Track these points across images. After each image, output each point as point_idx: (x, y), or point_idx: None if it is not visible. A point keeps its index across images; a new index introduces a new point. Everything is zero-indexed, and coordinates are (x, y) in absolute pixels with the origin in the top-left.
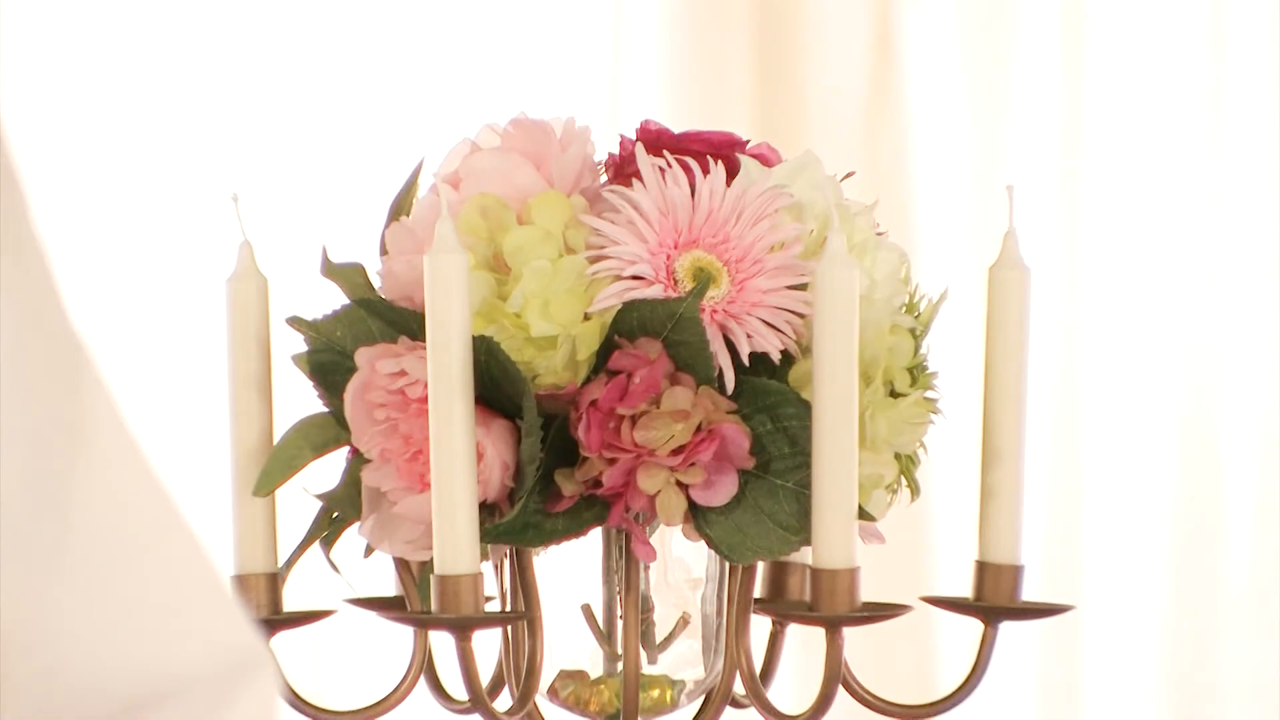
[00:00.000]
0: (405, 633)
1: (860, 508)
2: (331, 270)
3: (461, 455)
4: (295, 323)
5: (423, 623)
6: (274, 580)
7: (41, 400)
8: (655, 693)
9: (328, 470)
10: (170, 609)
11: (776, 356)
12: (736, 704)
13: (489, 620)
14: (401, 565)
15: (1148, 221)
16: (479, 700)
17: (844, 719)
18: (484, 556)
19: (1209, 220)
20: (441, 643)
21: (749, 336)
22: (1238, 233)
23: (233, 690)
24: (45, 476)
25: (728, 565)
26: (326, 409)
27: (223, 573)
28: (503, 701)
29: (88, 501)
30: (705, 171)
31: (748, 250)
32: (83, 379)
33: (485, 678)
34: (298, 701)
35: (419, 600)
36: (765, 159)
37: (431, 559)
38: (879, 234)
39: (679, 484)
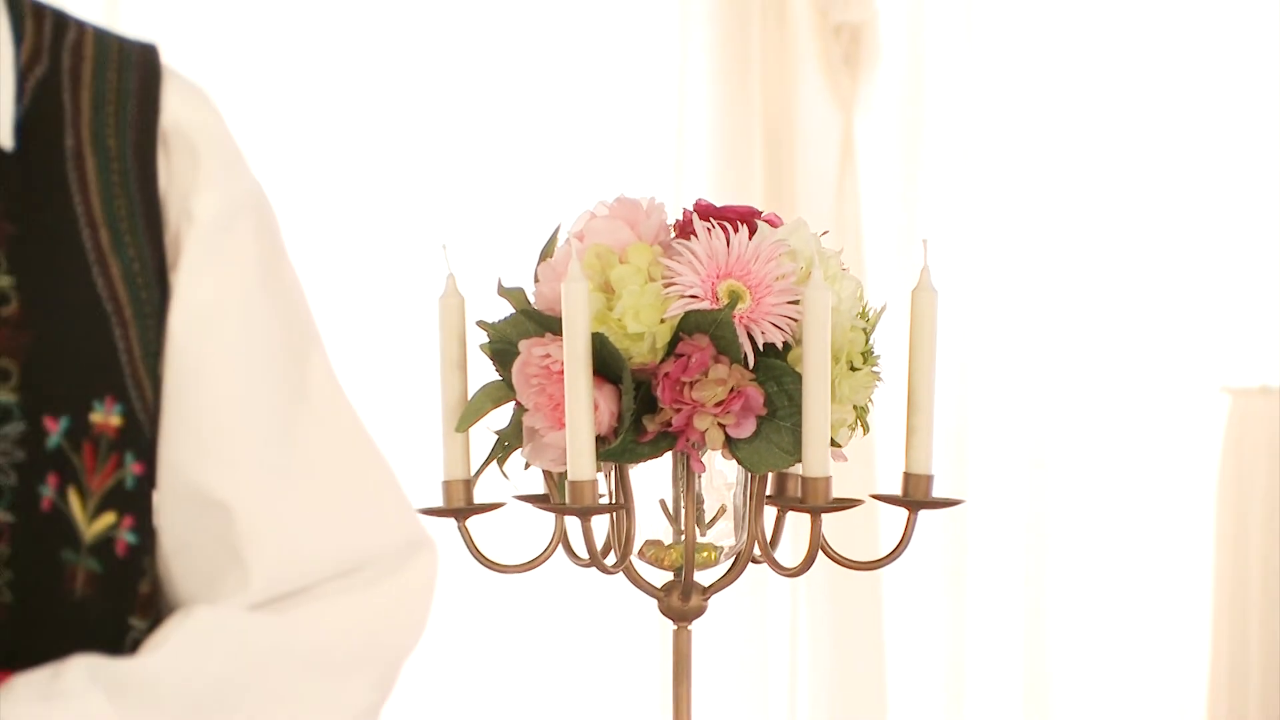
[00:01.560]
0: (546, 522)
1: (832, 439)
2: (504, 291)
3: (584, 406)
4: (482, 324)
5: (560, 510)
6: (468, 484)
7: (283, 368)
8: (704, 554)
9: (500, 417)
10: (362, 507)
11: (780, 345)
12: (755, 561)
13: (601, 509)
14: (548, 475)
15: (1014, 250)
16: (594, 558)
17: (818, 572)
18: (598, 469)
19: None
20: (572, 523)
21: (763, 333)
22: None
23: (404, 563)
24: (281, 417)
25: (749, 474)
26: (500, 378)
27: (399, 482)
28: (609, 560)
29: (306, 435)
30: (735, 230)
31: (762, 279)
32: (311, 356)
33: (599, 544)
34: (478, 555)
35: (558, 496)
36: (772, 222)
37: (565, 470)
38: (844, 269)
39: (719, 424)
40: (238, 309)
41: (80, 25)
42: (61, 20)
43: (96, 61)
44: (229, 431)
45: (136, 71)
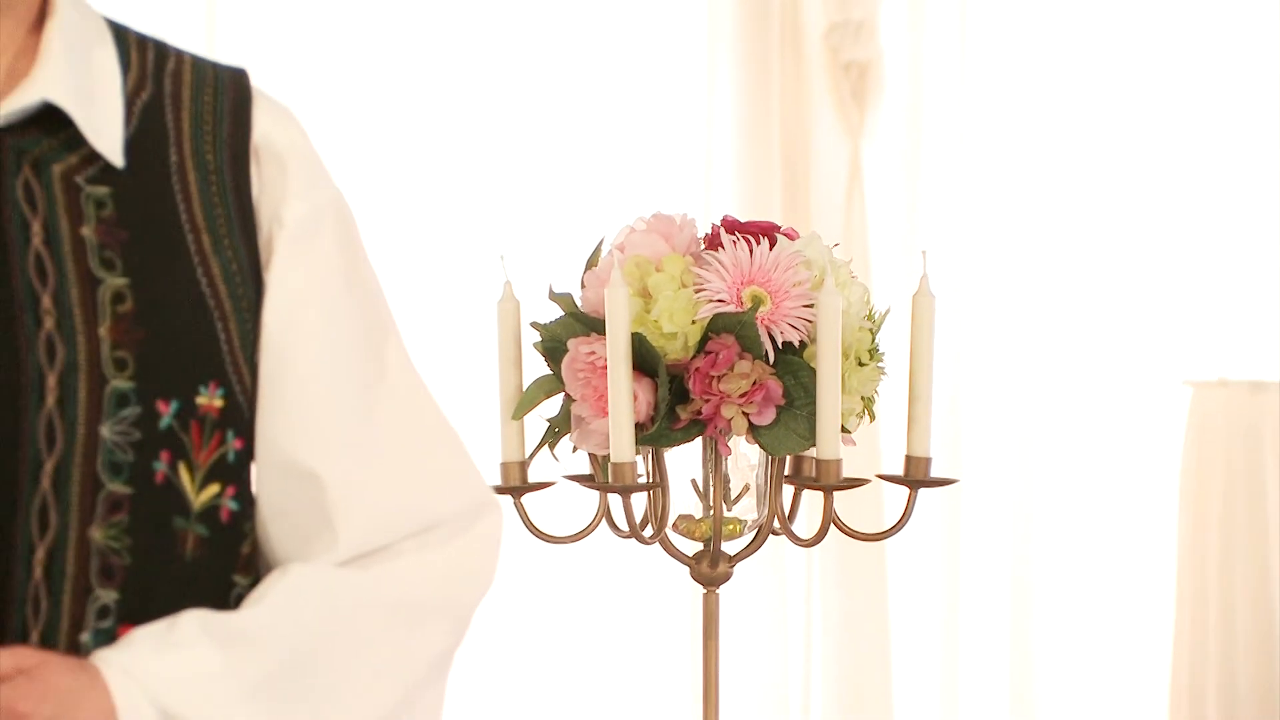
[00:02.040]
0: (591, 498)
1: (842, 426)
2: (554, 297)
3: (625, 397)
4: (536, 325)
5: (604, 488)
6: (523, 465)
7: (364, 354)
8: (730, 527)
9: (551, 406)
10: (435, 474)
11: (797, 344)
12: (774, 533)
13: (640, 487)
14: (593, 457)
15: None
16: (634, 531)
17: (829, 543)
18: (637, 452)
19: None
20: (614, 500)
21: (782, 333)
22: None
23: (473, 522)
24: (363, 396)
25: (769, 457)
26: (551, 372)
27: (467, 452)
28: (646, 532)
29: (385, 412)
30: (757, 243)
31: (781, 286)
32: (387, 343)
33: (637, 518)
34: (532, 528)
35: (602, 476)
36: (790, 236)
37: (609, 453)
38: (852, 277)
39: (743, 413)
40: (323, 302)
41: (179, 54)
42: (162, 50)
43: (194, 86)
44: (317, 410)
45: (229, 94)
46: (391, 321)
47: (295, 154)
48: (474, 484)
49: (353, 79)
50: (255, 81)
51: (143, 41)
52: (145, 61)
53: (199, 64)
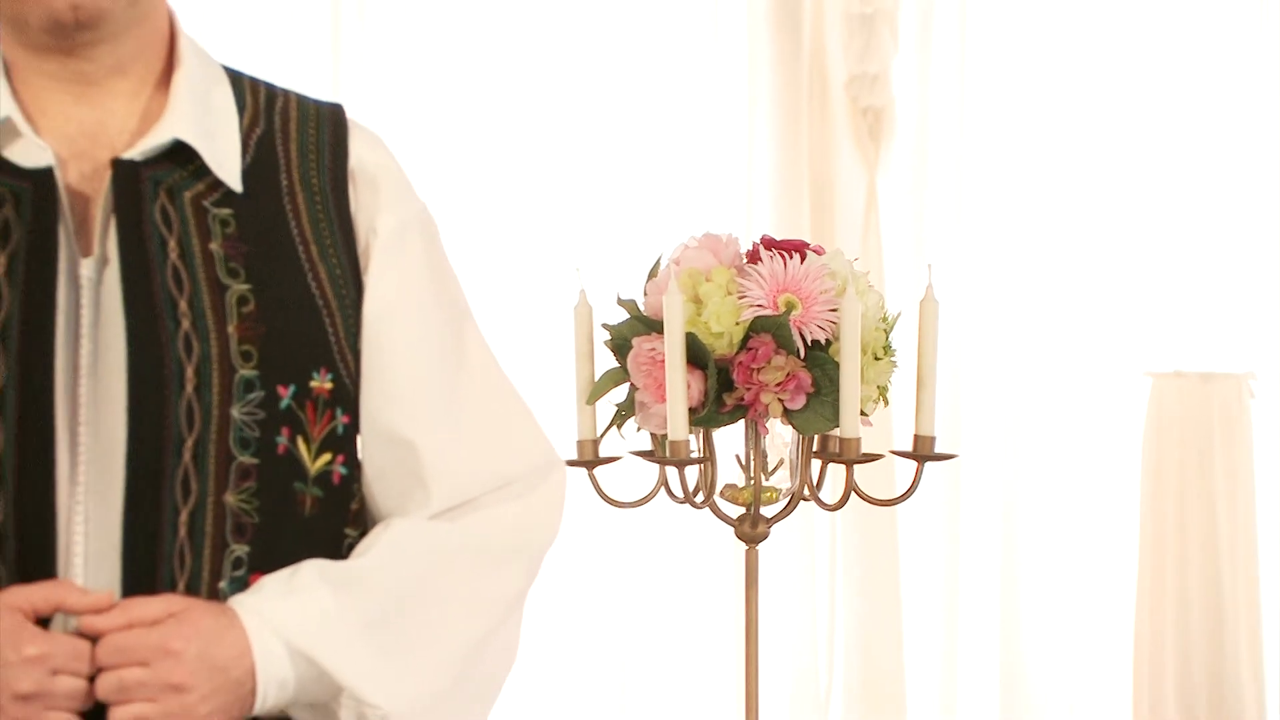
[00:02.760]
0: (651, 471)
1: (861, 410)
2: (621, 302)
3: (680, 385)
4: (606, 326)
5: (662, 461)
6: (595, 443)
7: (447, 341)
8: (768, 494)
9: (618, 394)
10: (509, 439)
11: (824, 341)
12: (804, 499)
13: (692, 461)
14: (653, 436)
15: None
16: (687, 497)
17: (850, 508)
18: (690, 432)
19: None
20: (670, 471)
21: (811, 333)
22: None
23: (542, 479)
24: (448, 376)
25: (800, 435)
26: (618, 365)
27: (536, 421)
28: (698, 499)
29: (466, 389)
30: (790, 257)
31: (810, 293)
32: (466, 331)
33: (690, 487)
34: (603, 495)
35: (661, 451)
36: (817, 251)
37: (666, 432)
38: (870, 286)
39: (779, 399)
40: (412, 300)
41: (285, 93)
42: (271, 90)
43: (299, 121)
44: (411, 389)
45: (329, 126)
46: (470, 314)
47: (385, 174)
48: (542, 447)
49: (463, 119)
50: (350, 114)
51: (255, 84)
52: (257, 101)
53: (303, 101)
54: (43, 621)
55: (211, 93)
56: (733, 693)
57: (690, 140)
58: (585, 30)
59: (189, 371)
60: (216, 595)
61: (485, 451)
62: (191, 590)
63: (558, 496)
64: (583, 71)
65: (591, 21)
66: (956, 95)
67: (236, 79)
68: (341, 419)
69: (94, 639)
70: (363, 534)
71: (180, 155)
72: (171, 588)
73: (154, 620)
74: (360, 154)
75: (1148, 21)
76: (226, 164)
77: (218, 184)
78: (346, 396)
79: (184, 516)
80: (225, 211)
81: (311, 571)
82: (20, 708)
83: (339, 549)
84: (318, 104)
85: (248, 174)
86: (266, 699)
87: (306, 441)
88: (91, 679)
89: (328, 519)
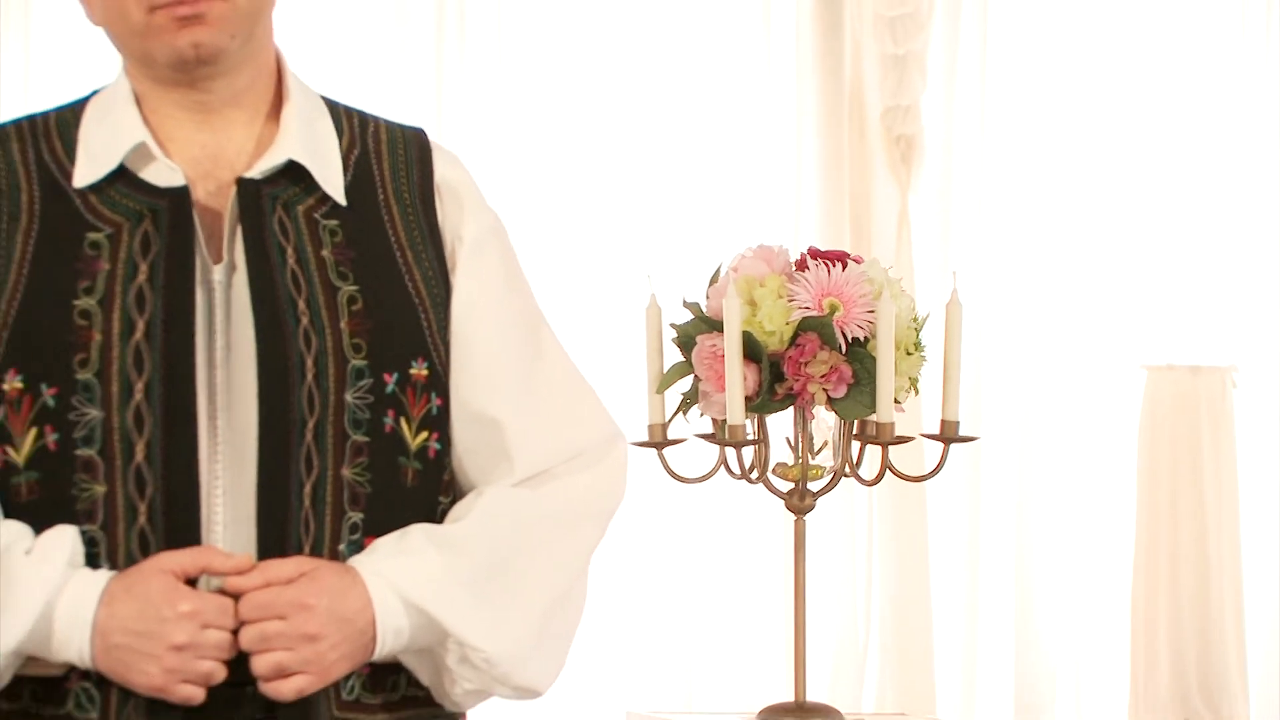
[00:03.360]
0: (712, 451)
1: (895, 398)
2: (687, 305)
3: (738, 377)
4: (674, 325)
5: (722, 442)
6: (664, 427)
7: (524, 333)
8: (814, 472)
9: (684, 384)
10: (579, 418)
11: (863, 339)
12: (845, 476)
13: (748, 442)
14: (714, 420)
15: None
16: (744, 474)
17: (886, 483)
18: (747, 417)
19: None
20: (729, 451)
21: (851, 331)
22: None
23: (608, 451)
24: (527, 364)
25: (842, 420)
26: (684, 359)
27: (601, 402)
28: (753, 475)
29: (542, 375)
30: (833, 266)
31: (851, 297)
32: (541, 328)
33: (746, 464)
34: (670, 472)
35: (721, 434)
36: (857, 260)
37: (726, 418)
38: (902, 291)
39: (824, 389)
40: (492, 296)
41: (375, 119)
42: (364, 117)
43: (390, 144)
44: (494, 375)
45: (415, 147)
46: (540, 311)
47: (466, 189)
48: (606, 423)
49: (556, 146)
50: (433, 137)
51: (349, 111)
52: (353, 127)
53: (390, 126)
54: (190, 582)
55: (315, 120)
56: (783, 647)
57: (747, 164)
58: (660, 69)
59: (309, 362)
60: (337, 556)
61: (559, 428)
62: (316, 552)
63: (622, 466)
64: (657, 105)
65: (665, 62)
66: (977, 125)
67: (334, 108)
68: (435, 401)
69: (236, 597)
70: (453, 501)
71: (293, 174)
72: (299, 551)
73: (289, 579)
74: (443, 171)
75: (1136, 56)
76: (332, 181)
77: (325, 198)
78: (439, 382)
79: (308, 489)
80: (333, 222)
81: (419, 535)
82: (175, 657)
83: (435, 514)
84: (403, 128)
85: (349, 190)
86: (384, 645)
87: (408, 421)
88: (235, 632)
89: (426, 488)
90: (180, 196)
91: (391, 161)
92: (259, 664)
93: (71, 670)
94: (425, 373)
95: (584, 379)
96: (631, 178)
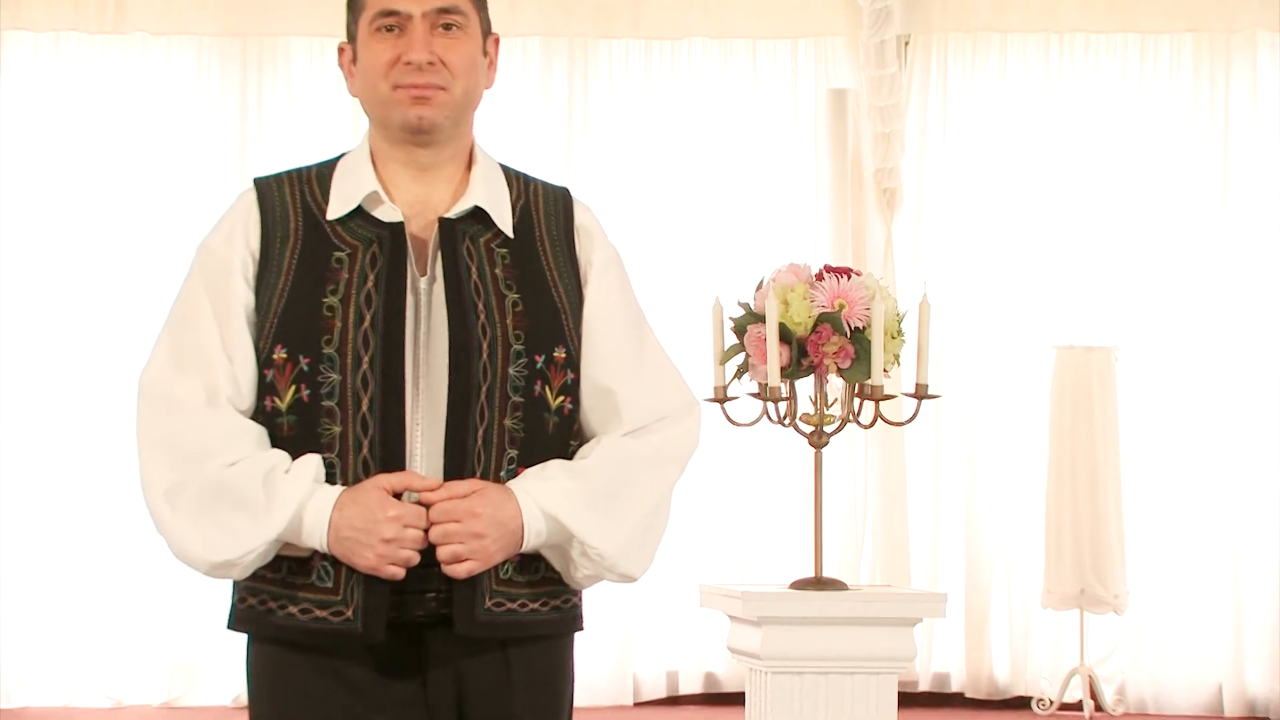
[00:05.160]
0: (756, 405)
1: (884, 368)
2: (741, 305)
3: (775, 354)
4: (732, 319)
5: (764, 399)
6: (724, 389)
7: (632, 330)
8: (827, 419)
9: (738, 359)
10: (668, 388)
11: (862, 327)
12: (849, 421)
13: (782, 398)
14: (760, 384)
15: (964, 285)
16: (779, 421)
17: (878, 428)
18: (782, 381)
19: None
20: (770, 405)
21: (854, 323)
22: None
23: (687, 412)
24: (632, 350)
25: (847, 383)
26: (738, 341)
27: (683, 377)
28: (786, 421)
29: (644, 358)
30: (842, 277)
31: (854, 298)
32: (643, 326)
33: (781, 413)
34: (729, 419)
35: (764, 394)
36: (858, 274)
37: (767, 381)
38: (889, 294)
39: (835, 362)
40: (610, 305)
41: (535, 180)
42: (527, 178)
43: (544, 197)
44: (610, 358)
45: (561, 200)
46: (643, 314)
47: (595, 230)
48: (687, 394)
49: (651, 203)
50: (575, 194)
51: (518, 174)
52: (519, 184)
53: (545, 185)
54: (396, 496)
55: (493, 179)
56: (806, 539)
57: (782, 209)
58: (723, 146)
59: (484, 346)
60: (499, 481)
61: (654, 395)
62: (484, 477)
63: (697, 425)
64: (721, 170)
65: (727, 141)
66: (939, 182)
67: (506, 171)
68: (570, 375)
69: (428, 506)
70: (580, 444)
71: (478, 216)
72: (473, 476)
73: (464, 495)
74: (580, 217)
75: (1051, 132)
76: (504, 221)
77: (499, 233)
78: (573, 362)
79: (480, 433)
80: (504, 250)
81: (555, 467)
82: (384, 547)
83: (567, 453)
84: (554, 186)
85: (516, 228)
86: (529, 542)
87: (550, 389)
88: (426, 531)
89: (561, 435)
90: (399, 229)
91: (545, 209)
92: (441, 553)
93: (314, 553)
94: (563, 355)
95: (672, 362)
96: (704, 220)
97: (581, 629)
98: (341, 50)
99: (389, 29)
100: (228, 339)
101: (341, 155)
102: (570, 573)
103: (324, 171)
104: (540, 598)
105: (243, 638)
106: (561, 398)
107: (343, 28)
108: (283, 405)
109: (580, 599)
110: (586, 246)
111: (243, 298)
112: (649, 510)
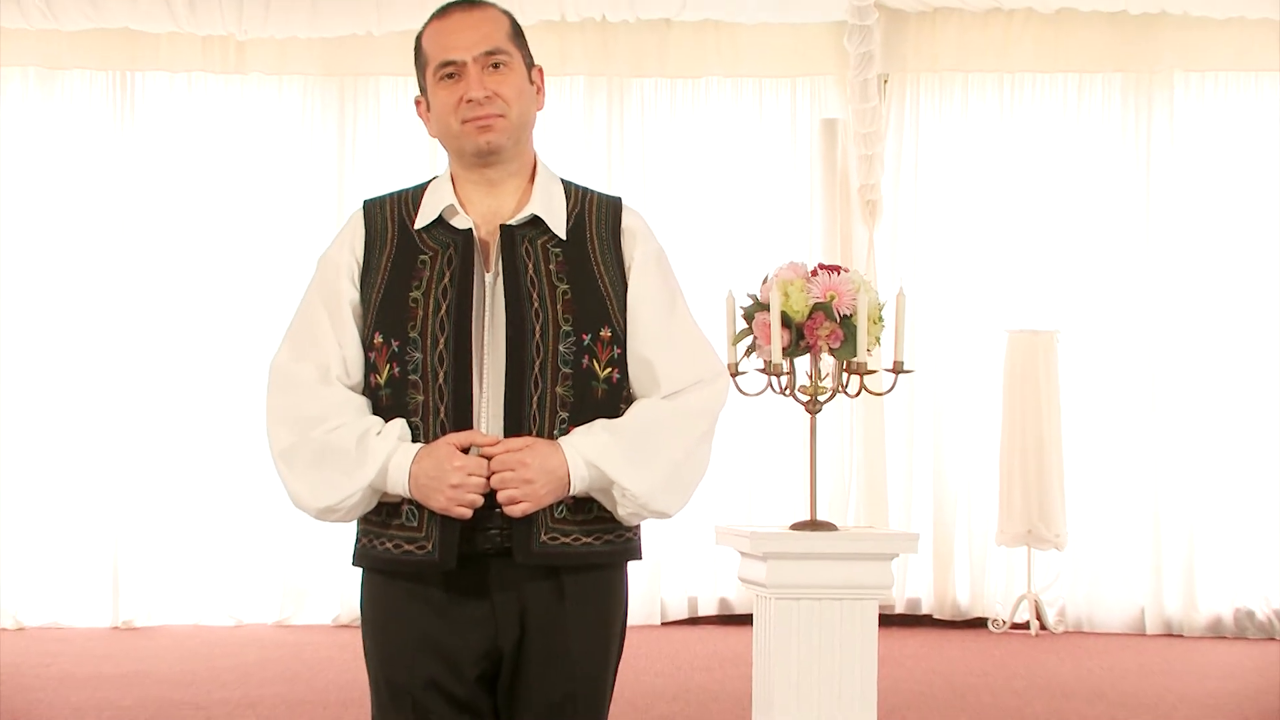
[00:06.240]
0: (761, 377)
1: (867, 349)
2: (750, 296)
3: (778, 336)
4: (743, 308)
5: (769, 373)
6: (736, 365)
7: (669, 310)
8: (821, 390)
9: (747, 341)
10: (699, 357)
11: (850, 314)
12: (838, 391)
13: (783, 372)
14: (765, 361)
15: (937, 281)
16: (781, 390)
17: (862, 398)
18: (784, 358)
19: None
20: (773, 379)
21: (843, 311)
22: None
23: (714, 380)
24: (668, 325)
25: (837, 360)
26: (748, 326)
27: (712, 346)
28: (787, 391)
29: (678, 331)
30: (832, 273)
31: (843, 291)
32: (679, 306)
33: (783, 384)
34: (739, 389)
35: (769, 369)
36: (845, 270)
37: (770, 359)
38: (871, 288)
39: (827, 343)
40: (650, 292)
41: (591, 191)
42: (580, 188)
43: (597, 205)
44: (650, 334)
45: (611, 208)
46: (681, 294)
47: (641, 231)
48: (716, 363)
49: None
50: (626, 201)
51: (576, 186)
52: (575, 194)
53: (600, 195)
54: (464, 450)
55: (552, 190)
56: (802, 486)
57: (783, 219)
58: (732, 168)
59: (537, 329)
60: (552, 438)
61: (687, 364)
62: (540, 436)
63: (725, 386)
64: (732, 188)
65: (736, 163)
66: (913, 196)
67: (565, 183)
68: (616, 350)
69: (489, 459)
70: (627, 405)
71: (536, 222)
72: (529, 434)
73: (519, 449)
74: (628, 221)
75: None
76: (559, 226)
77: (554, 236)
78: (618, 339)
79: (535, 399)
80: (558, 250)
81: (599, 424)
82: (453, 491)
83: (617, 414)
84: (607, 196)
85: (570, 231)
86: (575, 487)
87: (597, 362)
88: (488, 478)
89: (611, 400)
90: (469, 235)
91: (597, 215)
92: (500, 496)
93: (404, 500)
94: (609, 334)
95: (705, 336)
96: (719, 226)
97: (638, 558)
98: (418, 102)
99: (450, 76)
100: (337, 328)
101: (432, 179)
102: (617, 511)
103: (418, 191)
104: (594, 533)
105: (347, 570)
106: (609, 369)
107: None
108: (381, 380)
109: (636, 534)
110: (630, 244)
111: (349, 295)
112: (679, 458)
